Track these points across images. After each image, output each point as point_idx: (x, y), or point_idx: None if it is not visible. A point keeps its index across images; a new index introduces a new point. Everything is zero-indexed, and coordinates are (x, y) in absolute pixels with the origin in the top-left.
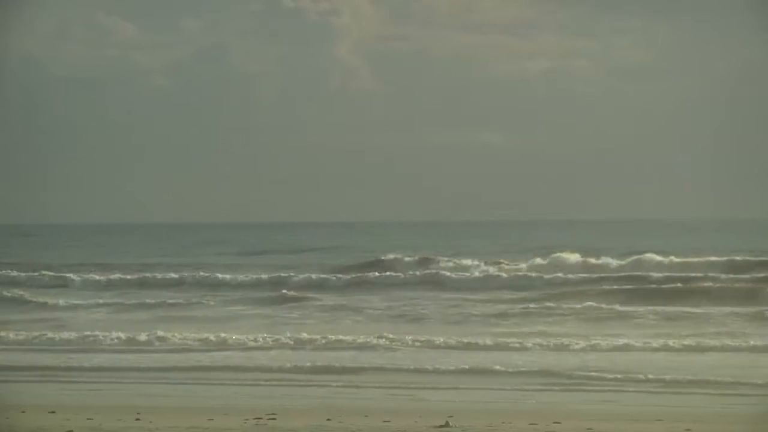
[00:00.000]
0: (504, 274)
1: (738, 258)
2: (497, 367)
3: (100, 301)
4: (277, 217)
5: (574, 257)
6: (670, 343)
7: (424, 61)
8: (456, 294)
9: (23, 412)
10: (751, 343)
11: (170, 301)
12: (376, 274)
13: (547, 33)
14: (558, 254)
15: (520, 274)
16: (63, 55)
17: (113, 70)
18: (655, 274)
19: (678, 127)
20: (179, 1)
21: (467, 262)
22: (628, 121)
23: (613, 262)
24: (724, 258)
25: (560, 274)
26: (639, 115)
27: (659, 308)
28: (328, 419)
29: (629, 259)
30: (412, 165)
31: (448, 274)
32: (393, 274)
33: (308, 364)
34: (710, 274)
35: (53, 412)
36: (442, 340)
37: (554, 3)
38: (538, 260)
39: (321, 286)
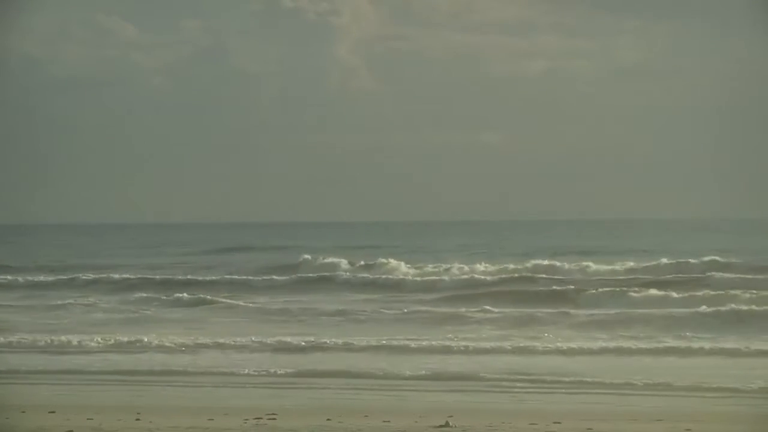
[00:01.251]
0: (419, 278)
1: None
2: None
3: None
4: (277, 217)
5: (483, 265)
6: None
7: (423, 61)
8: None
9: (23, 412)
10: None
11: (72, 302)
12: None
13: (546, 33)
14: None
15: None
16: (63, 56)
17: (113, 71)
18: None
19: (677, 127)
20: (179, 2)
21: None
22: (627, 121)
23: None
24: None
25: (474, 276)
26: (638, 115)
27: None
28: (328, 419)
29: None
30: (411, 165)
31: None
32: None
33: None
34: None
35: (53, 412)
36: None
37: (554, 3)
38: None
39: (247, 287)
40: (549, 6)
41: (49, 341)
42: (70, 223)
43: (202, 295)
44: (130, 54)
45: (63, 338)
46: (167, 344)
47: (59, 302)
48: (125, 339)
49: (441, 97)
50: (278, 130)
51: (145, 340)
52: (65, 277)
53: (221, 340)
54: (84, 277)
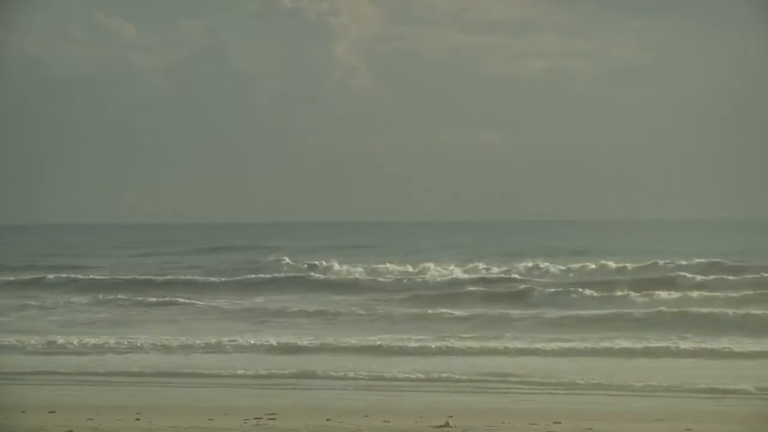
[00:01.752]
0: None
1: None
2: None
3: None
4: (276, 217)
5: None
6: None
7: (422, 61)
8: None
9: (23, 412)
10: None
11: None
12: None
13: (546, 33)
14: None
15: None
16: (63, 56)
17: (113, 71)
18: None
19: (676, 127)
20: (178, 2)
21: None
22: (626, 122)
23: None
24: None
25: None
26: (637, 115)
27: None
28: (328, 419)
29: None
30: (410, 165)
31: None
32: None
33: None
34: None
35: (53, 412)
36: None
37: (554, 3)
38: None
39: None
40: (549, 6)
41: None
42: (70, 223)
43: (177, 296)
44: (129, 54)
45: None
46: (145, 345)
47: (34, 303)
48: (93, 341)
49: (440, 97)
50: (277, 130)
51: (111, 341)
52: (50, 276)
53: (196, 342)
54: (66, 276)
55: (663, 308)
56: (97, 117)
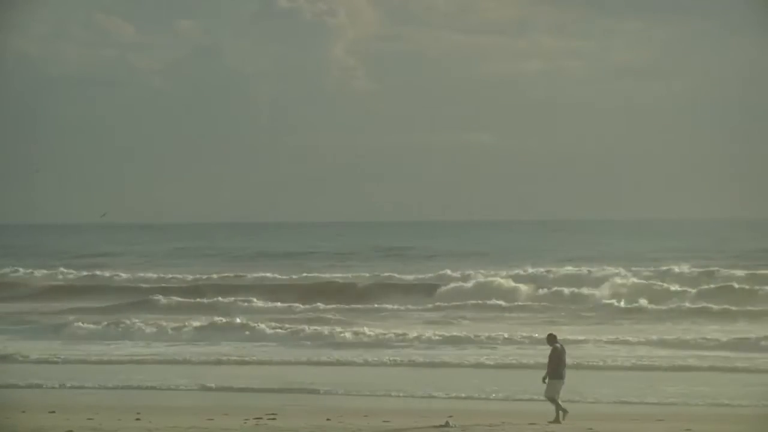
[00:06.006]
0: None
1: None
2: None
3: None
4: (274, 217)
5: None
6: None
7: (419, 61)
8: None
9: (23, 412)
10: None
11: None
12: None
13: (545, 34)
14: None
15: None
16: (61, 56)
17: (111, 71)
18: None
19: (672, 128)
20: (176, 2)
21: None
22: (624, 122)
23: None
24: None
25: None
26: (636, 115)
27: None
28: (328, 419)
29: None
30: (408, 164)
31: None
32: None
33: None
34: None
35: (53, 412)
36: None
37: (552, 4)
38: None
39: None
40: (547, 6)
41: None
42: (57, 224)
43: None
44: (127, 54)
45: None
46: None
47: None
48: None
49: (437, 97)
50: (273, 130)
51: None
52: None
53: None
54: None
55: None
56: (94, 117)
